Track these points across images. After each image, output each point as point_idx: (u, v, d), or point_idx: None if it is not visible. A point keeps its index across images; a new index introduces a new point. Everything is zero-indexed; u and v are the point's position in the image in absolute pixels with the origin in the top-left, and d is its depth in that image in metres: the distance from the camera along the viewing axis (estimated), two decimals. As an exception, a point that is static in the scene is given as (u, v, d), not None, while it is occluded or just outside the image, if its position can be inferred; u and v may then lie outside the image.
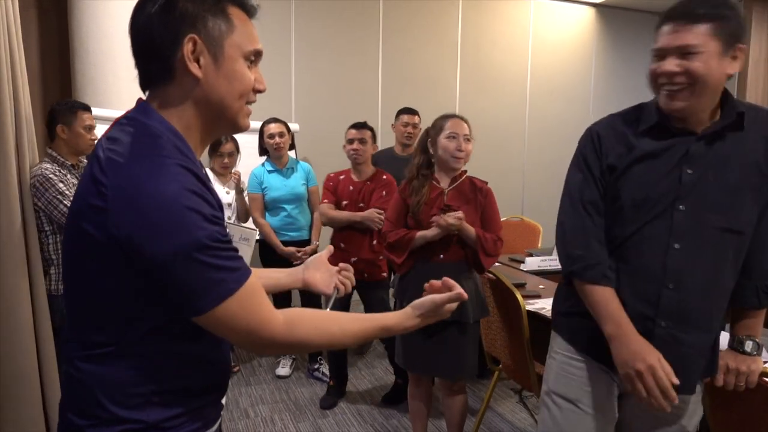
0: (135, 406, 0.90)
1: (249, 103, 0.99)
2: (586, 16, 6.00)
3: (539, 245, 4.16)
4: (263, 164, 3.53)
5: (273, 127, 3.45)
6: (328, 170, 4.78)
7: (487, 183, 2.51)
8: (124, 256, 0.83)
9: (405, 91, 5.32)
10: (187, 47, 0.89)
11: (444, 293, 1.07)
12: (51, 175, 2.43)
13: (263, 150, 3.53)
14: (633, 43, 6.20)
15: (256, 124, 3.70)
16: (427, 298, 1.07)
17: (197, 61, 0.90)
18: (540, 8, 5.79)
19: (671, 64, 1.28)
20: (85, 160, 2.73)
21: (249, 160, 3.86)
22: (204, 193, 0.86)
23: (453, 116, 2.44)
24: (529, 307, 2.39)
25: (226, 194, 3.51)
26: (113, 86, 3.46)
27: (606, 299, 1.39)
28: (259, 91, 1.00)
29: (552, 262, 3.36)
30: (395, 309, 2.31)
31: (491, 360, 2.71)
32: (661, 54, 1.31)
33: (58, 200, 2.41)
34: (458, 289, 1.07)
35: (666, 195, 1.35)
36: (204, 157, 3.49)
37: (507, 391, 3.38)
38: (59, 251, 2.50)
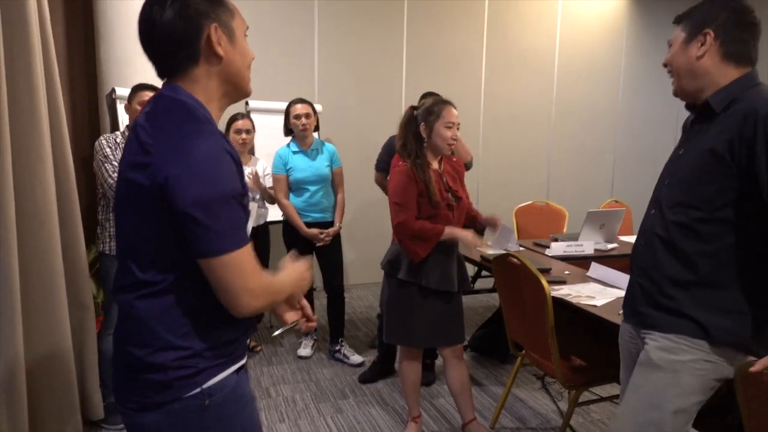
0: (183, 335, 1.09)
1: (250, 69, 1.21)
2: (617, -4, 5.83)
3: (564, 230, 4.10)
4: (288, 145, 3.52)
5: (300, 108, 3.42)
6: (350, 151, 4.77)
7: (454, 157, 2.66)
8: (165, 201, 1.01)
9: (429, 72, 5.25)
10: (213, 33, 1.10)
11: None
12: (103, 141, 2.69)
13: (288, 130, 3.51)
14: (666, 25, 5.98)
15: (281, 105, 3.69)
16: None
17: (219, 44, 1.12)
18: (570, -13, 5.64)
19: (665, 59, 1.62)
20: None
21: (272, 140, 3.86)
22: (234, 153, 1.07)
23: (447, 103, 2.45)
24: (554, 294, 2.36)
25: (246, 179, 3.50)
26: (138, 67, 3.46)
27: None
28: (252, 59, 1.22)
29: (578, 248, 3.31)
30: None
31: (514, 346, 2.69)
32: None
33: (101, 162, 2.63)
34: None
35: (665, 171, 1.64)
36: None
37: (529, 377, 3.36)
38: (105, 212, 2.71)
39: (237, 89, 1.19)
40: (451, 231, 2.41)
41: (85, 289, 2.63)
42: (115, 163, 2.61)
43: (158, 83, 1.19)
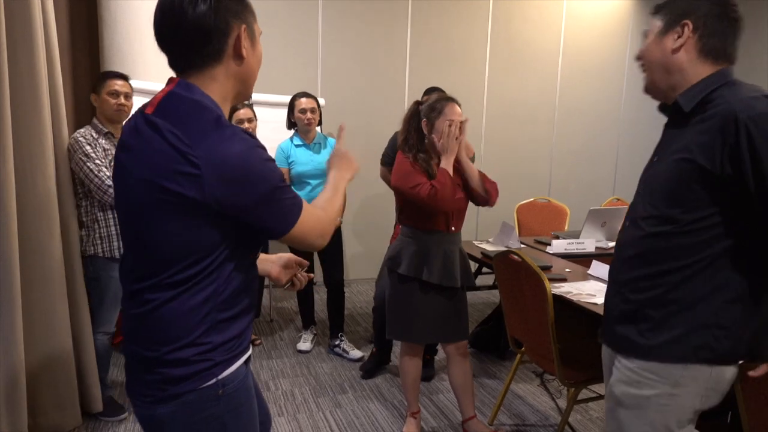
0: (205, 331, 1.13)
1: None
2: (623, -7, 5.81)
3: (566, 228, 4.09)
4: (291, 138, 3.51)
5: (304, 102, 3.41)
6: (352, 146, 4.75)
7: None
8: (214, 209, 1.07)
9: (433, 67, 5.23)
10: (243, 34, 1.14)
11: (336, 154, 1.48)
12: (81, 138, 2.56)
13: (291, 123, 3.50)
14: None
15: (284, 98, 3.68)
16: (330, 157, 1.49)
17: (245, 45, 1.15)
18: (575, -16, 5.62)
19: (638, 51, 1.50)
20: None
21: (276, 134, 3.85)
22: (262, 146, 1.13)
23: (451, 100, 2.43)
24: (554, 291, 2.36)
25: None
26: (141, 56, 3.46)
27: None
28: None
29: (579, 245, 3.30)
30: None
31: (514, 342, 2.68)
32: None
33: (83, 161, 2.52)
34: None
35: (640, 181, 1.52)
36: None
37: (528, 373, 3.36)
38: (89, 213, 2.61)
39: (246, 90, 1.24)
40: (445, 165, 2.37)
41: (80, 285, 2.61)
42: (98, 162, 2.53)
43: (161, 77, 1.23)
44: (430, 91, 3.70)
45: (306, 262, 1.54)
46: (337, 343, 3.61)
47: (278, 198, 1.13)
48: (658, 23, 1.43)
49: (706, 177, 1.30)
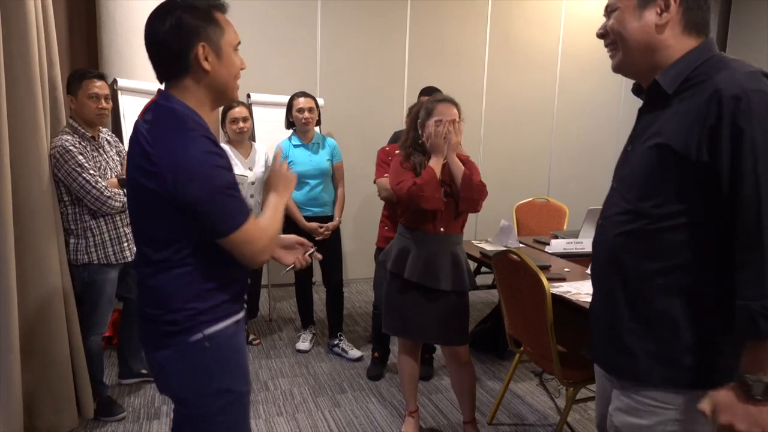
0: (189, 299, 1.35)
1: (237, 79, 1.41)
2: (622, -8, 5.80)
3: (565, 227, 4.09)
4: (289, 138, 3.51)
5: (302, 102, 3.40)
6: (351, 145, 4.76)
7: (469, 156, 2.58)
8: (172, 201, 1.25)
9: (432, 67, 5.23)
10: (200, 51, 1.30)
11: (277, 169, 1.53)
12: (71, 147, 2.44)
13: (290, 123, 3.50)
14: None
15: (283, 98, 3.67)
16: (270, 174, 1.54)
17: (206, 59, 1.31)
18: (574, -17, 5.61)
19: (600, 27, 1.32)
20: (104, 134, 2.72)
21: (274, 134, 3.85)
22: (220, 152, 1.30)
23: (443, 101, 2.43)
24: (553, 290, 2.35)
25: (249, 170, 3.48)
26: (140, 57, 3.42)
27: None
28: (242, 69, 1.40)
29: (578, 245, 3.30)
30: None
31: (512, 342, 2.68)
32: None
33: (77, 173, 2.43)
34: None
35: (614, 174, 1.38)
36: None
37: (527, 373, 3.36)
38: (78, 221, 2.55)
39: (223, 96, 1.40)
40: (433, 165, 2.35)
41: (70, 289, 2.56)
42: (93, 172, 2.46)
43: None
44: (425, 91, 3.70)
45: (309, 243, 1.64)
46: (336, 342, 3.61)
47: (221, 201, 1.27)
48: None
49: (679, 164, 1.15)
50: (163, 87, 1.38)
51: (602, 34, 1.32)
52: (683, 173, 1.16)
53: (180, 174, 1.23)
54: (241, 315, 1.48)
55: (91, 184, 2.45)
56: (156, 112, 1.33)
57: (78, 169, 2.43)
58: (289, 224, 3.48)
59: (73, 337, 2.57)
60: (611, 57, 1.32)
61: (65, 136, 2.48)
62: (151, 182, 1.27)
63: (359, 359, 3.51)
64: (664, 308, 1.22)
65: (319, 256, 1.73)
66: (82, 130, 2.54)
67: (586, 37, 5.78)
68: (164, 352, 1.39)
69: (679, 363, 1.21)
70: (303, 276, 3.61)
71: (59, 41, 2.67)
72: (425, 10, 5.14)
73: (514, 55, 5.55)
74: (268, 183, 1.52)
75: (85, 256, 2.56)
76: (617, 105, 6.07)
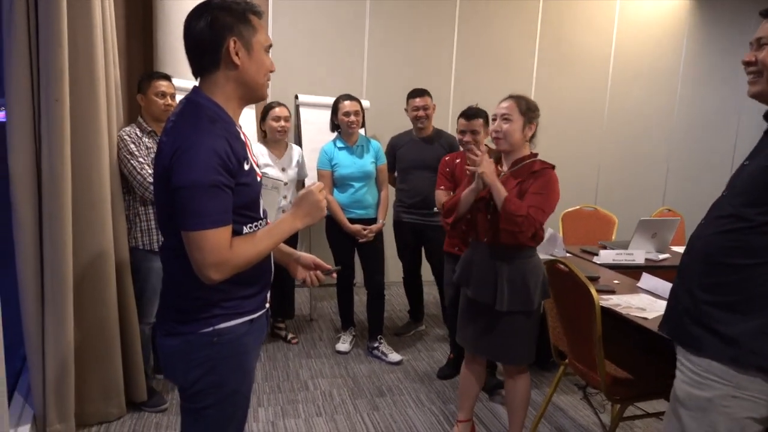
0: (197, 288, 1.34)
1: (268, 79, 1.44)
2: (679, -5, 5.61)
3: (613, 238, 3.97)
4: (334, 141, 3.53)
5: (348, 105, 3.42)
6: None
7: (553, 166, 2.32)
8: (168, 183, 1.28)
9: (479, 68, 5.17)
10: (231, 45, 1.34)
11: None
12: (125, 136, 2.64)
13: (335, 126, 3.52)
14: (730, 28, 5.72)
15: (329, 100, 3.69)
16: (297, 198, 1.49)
17: (237, 54, 1.35)
18: (629, -14, 5.45)
19: (749, 55, 1.42)
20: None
21: (320, 135, 3.87)
22: (228, 155, 1.29)
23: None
24: (602, 304, 2.29)
25: (281, 172, 3.50)
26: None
27: None
28: (271, 71, 1.44)
29: (628, 257, 3.20)
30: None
31: (557, 353, 2.62)
32: (752, 44, 1.43)
33: (126, 159, 2.61)
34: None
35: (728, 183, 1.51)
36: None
37: (571, 386, 3.27)
38: (131, 207, 2.71)
39: (252, 94, 1.43)
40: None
41: (127, 277, 2.68)
42: (141, 160, 2.62)
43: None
44: (412, 94, 3.75)
45: (327, 266, 1.68)
46: (375, 345, 3.60)
47: (199, 195, 1.25)
48: None
49: None
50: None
51: (749, 63, 1.42)
52: None
53: (179, 156, 1.26)
54: (257, 315, 1.48)
55: (137, 170, 2.60)
56: (184, 105, 1.38)
57: (128, 156, 2.61)
58: (333, 226, 3.50)
59: (128, 325, 2.66)
60: (750, 83, 1.44)
61: (126, 128, 2.70)
62: (159, 165, 1.33)
63: (399, 363, 3.49)
64: (743, 299, 1.36)
65: (334, 276, 1.79)
66: (144, 125, 2.74)
67: (640, 40, 5.60)
68: (172, 340, 1.41)
69: (745, 345, 1.34)
70: (345, 277, 3.62)
71: (117, 42, 2.76)
72: (474, 13, 5.09)
73: (565, 59, 5.43)
74: (296, 201, 1.48)
75: (132, 240, 2.71)
76: (671, 112, 5.87)
